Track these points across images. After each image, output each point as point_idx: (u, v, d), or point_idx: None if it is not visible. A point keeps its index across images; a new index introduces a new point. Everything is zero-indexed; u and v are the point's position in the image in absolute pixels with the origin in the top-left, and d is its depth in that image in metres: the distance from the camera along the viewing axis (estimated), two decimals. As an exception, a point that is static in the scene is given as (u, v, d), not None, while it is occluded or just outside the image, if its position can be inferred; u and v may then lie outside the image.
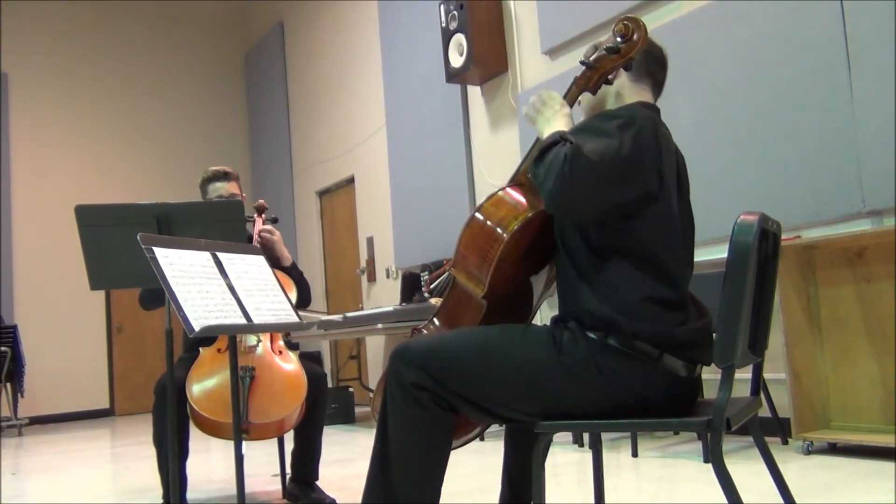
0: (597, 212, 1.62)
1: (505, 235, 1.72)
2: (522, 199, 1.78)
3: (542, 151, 1.61)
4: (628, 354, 1.58)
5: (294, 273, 3.14)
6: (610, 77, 1.77)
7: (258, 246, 3.07)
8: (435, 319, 1.94)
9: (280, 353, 2.82)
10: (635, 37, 1.71)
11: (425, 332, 1.92)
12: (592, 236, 1.65)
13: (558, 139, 1.61)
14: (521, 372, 1.64)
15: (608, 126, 1.62)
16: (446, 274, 1.98)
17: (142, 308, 2.96)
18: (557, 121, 1.72)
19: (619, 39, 1.72)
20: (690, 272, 1.76)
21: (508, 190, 1.81)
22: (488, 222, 1.76)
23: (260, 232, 3.14)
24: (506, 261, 1.73)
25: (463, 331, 1.77)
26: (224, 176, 3.16)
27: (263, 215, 3.25)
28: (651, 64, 1.81)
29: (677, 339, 1.60)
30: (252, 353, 2.76)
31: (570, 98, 1.78)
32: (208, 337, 2.67)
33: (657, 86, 1.85)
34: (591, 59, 1.74)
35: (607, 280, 1.63)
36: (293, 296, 2.96)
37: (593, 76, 1.74)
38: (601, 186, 1.57)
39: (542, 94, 1.79)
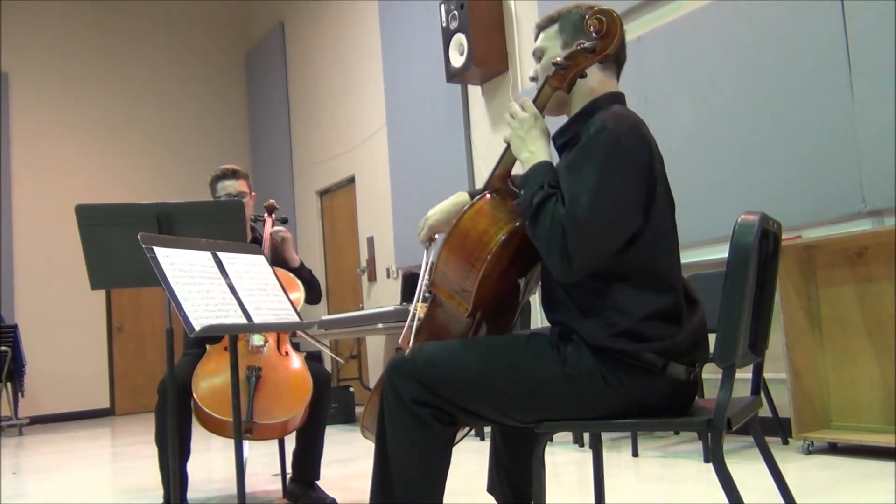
0: (606, 259, 1.57)
1: (487, 253, 1.61)
2: (502, 209, 1.67)
3: (535, 209, 1.55)
4: (634, 365, 1.57)
5: (304, 272, 3.14)
6: (585, 73, 1.67)
7: (270, 246, 3.09)
8: (419, 337, 1.83)
9: (286, 354, 2.83)
10: (611, 32, 1.61)
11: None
12: None
13: (549, 191, 1.56)
14: (524, 383, 1.61)
15: (595, 159, 1.54)
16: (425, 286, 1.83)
17: None
18: (533, 141, 1.66)
19: (594, 35, 1.62)
20: (679, 259, 1.71)
21: (487, 198, 1.69)
22: (467, 239, 1.64)
23: (272, 232, 3.14)
24: (490, 278, 1.64)
25: (462, 342, 1.73)
26: (233, 174, 3.17)
27: (273, 215, 3.25)
28: (620, 51, 1.73)
29: (680, 346, 1.58)
30: (259, 353, 2.76)
31: (542, 99, 1.69)
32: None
33: (620, 67, 1.79)
34: (564, 58, 1.64)
35: (608, 305, 1.59)
36: (296, 295, 2.96)
37: (567, 75, 1.64)
38: (607, 239, 1.54)
39: (511, 107, 1.71)
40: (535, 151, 1.66)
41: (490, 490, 1.99)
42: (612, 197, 1.53)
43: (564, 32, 1.74)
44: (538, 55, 1.80)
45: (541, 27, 1.81)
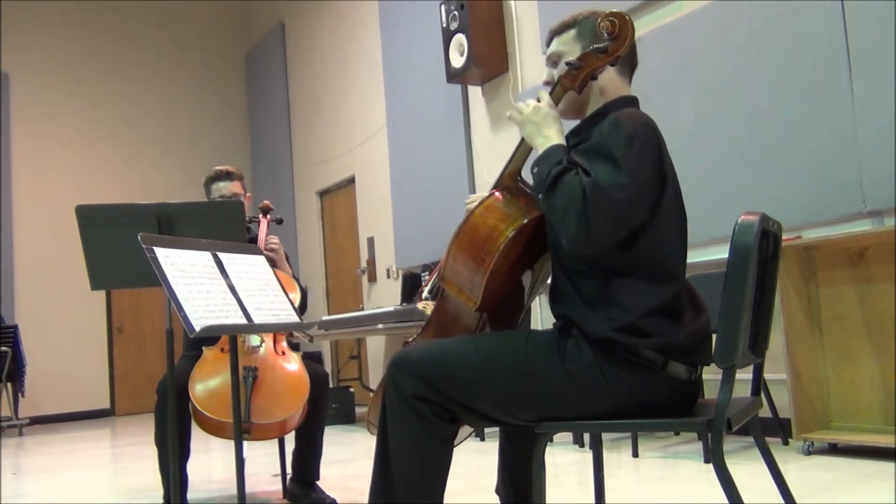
0: (614, 243, 1.57)
1: (496, 248, 1.64)
2: (512, 206, 1.70)
3: (553, 180, 1.56)
4: (634, 362, 1.57)
5: None
6: (596, 74, 1.70)
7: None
8: (426, 332, 1.87)
9: (283, 353, 2.83)
10: (623, 34, 1.65)
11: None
12: (597, 257, 1.61)
13: (567, 165, 1.57)
14: (524, 380, 1.62)
15: (616, 147, 1.56)
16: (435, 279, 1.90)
17: None
18: (548, 126, 1.68)
19: (605, 36, 1.65)
20: (685, 258, 1.73)
21: (497, 195, 1.72)
22: (477, 234, 1.67)
23: (267, 246, 3.13)
24: (498, 272, 1.67)
25: (462, 339, 1.74)
26: (227, 176, 3.17)
27: (269, 216, 3.25)
28: (633, 54, 1.78)
29: (681, 345, 1.59)
30: (255, 353, 2.76)
31: (554, 99, 1.72)
32: (211, 336, 2.67)
33: (633, 71, 1.81)
34: (576, 59, 1.67)
35: (611, 299, 1.60)
36: (294, 296, 2.96)
37: (579, 75, 1.67)
38: (623, 219, 1.54)
39: (518, 105, 1.74)
40: (550, 136, 1.68)
41: (497, 490, 2.01)
42: (630, 180, 1.53)
43: (583, 38, 1.75)
44: (554, 59, 1.81)
45: (555, 32, 1.81)
